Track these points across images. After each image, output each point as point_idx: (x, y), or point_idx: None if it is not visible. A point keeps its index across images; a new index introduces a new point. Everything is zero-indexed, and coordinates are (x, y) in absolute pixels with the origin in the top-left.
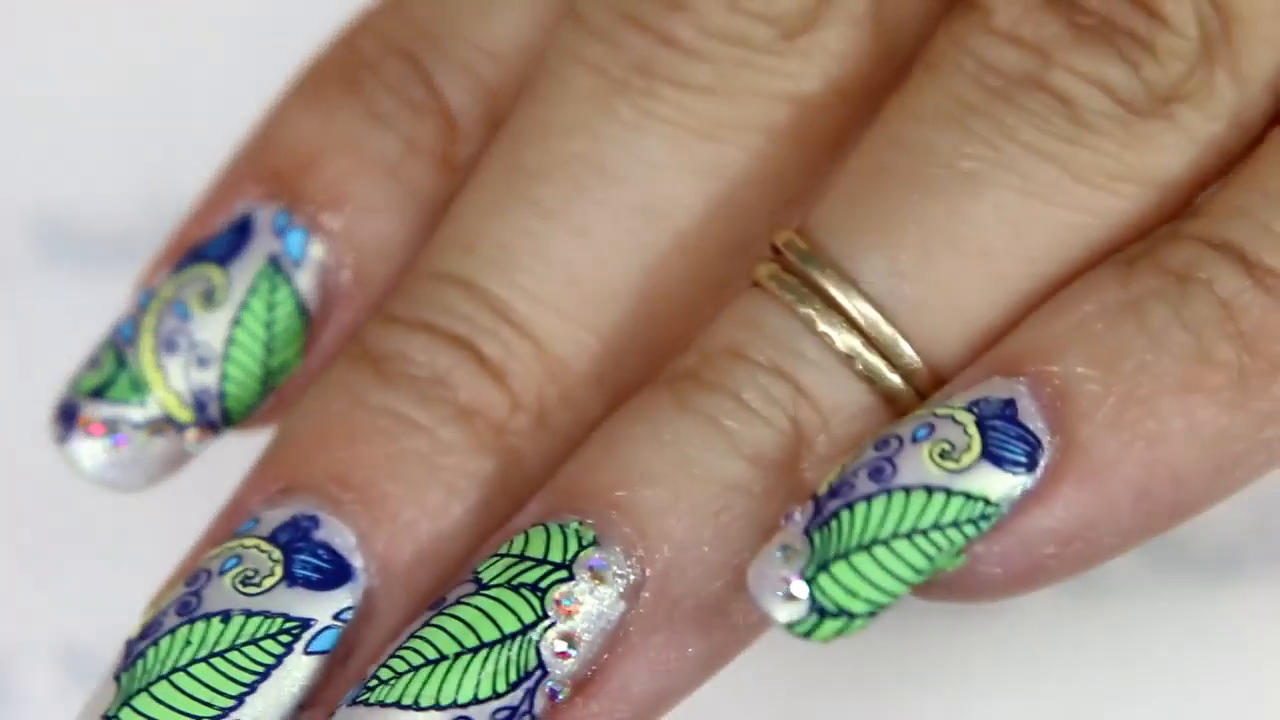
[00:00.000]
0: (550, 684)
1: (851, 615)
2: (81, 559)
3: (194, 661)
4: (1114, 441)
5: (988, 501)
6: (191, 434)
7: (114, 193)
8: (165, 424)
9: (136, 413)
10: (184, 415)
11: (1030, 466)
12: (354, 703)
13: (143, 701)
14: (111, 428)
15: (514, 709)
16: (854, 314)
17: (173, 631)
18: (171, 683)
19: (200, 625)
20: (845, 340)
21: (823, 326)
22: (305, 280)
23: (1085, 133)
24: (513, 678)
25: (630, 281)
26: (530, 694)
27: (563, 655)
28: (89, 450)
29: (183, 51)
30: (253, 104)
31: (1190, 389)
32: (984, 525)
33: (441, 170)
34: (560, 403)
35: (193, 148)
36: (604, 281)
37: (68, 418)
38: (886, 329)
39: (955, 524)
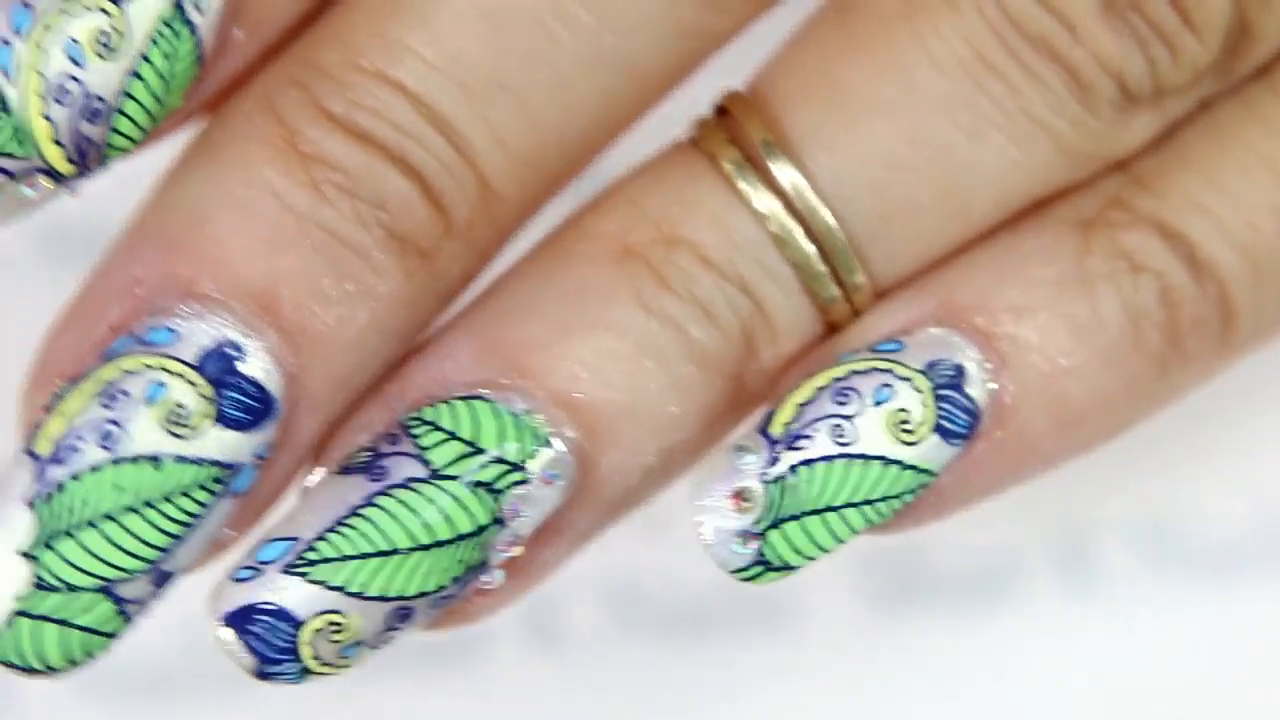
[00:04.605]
0: (485, 574)
1: (791, 568)
2: None
3: (123, 510)
4: (1043, 420)
5: (930, 473)
6: (51, 182)
7: None
8: (41, 173)
9: (12, 164)
10: (67, 169)
11: (968, 438)
12: (291, 571)
13: (67, 546)
14: None
15: (449, 596)
16: (816, 225)
17: (97, 469)
18: (100, 530)
19: (129, 469)
20: (800, 248)
21: (776, 231)
22: (207, 26)
23: (1085, 113)
24: (458, 574)
25: (587, 133)
26: (467, 584)
27: (505, 549)
28: None
29: None
30: None
31: (1116, 371)
32: (920, 493)
33: None
34: (487, 224)
35: None
36: (565, 129)
37: None
38: (843, 244)
39: (899, 495)
